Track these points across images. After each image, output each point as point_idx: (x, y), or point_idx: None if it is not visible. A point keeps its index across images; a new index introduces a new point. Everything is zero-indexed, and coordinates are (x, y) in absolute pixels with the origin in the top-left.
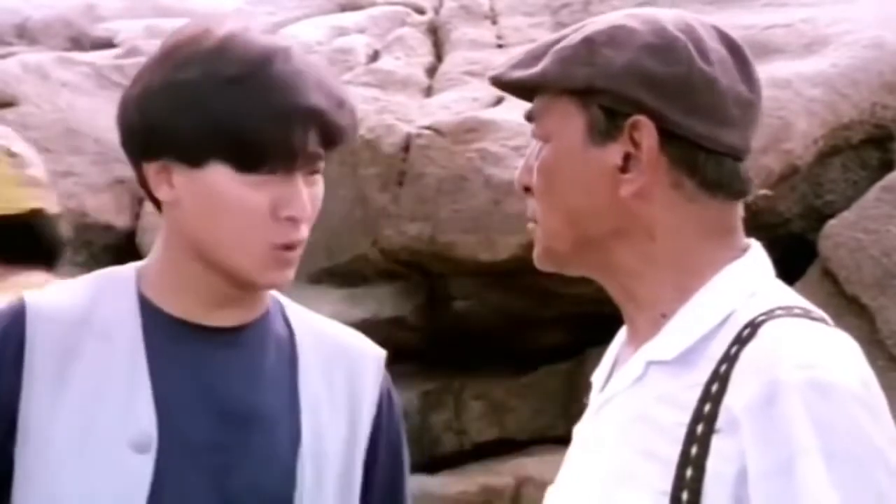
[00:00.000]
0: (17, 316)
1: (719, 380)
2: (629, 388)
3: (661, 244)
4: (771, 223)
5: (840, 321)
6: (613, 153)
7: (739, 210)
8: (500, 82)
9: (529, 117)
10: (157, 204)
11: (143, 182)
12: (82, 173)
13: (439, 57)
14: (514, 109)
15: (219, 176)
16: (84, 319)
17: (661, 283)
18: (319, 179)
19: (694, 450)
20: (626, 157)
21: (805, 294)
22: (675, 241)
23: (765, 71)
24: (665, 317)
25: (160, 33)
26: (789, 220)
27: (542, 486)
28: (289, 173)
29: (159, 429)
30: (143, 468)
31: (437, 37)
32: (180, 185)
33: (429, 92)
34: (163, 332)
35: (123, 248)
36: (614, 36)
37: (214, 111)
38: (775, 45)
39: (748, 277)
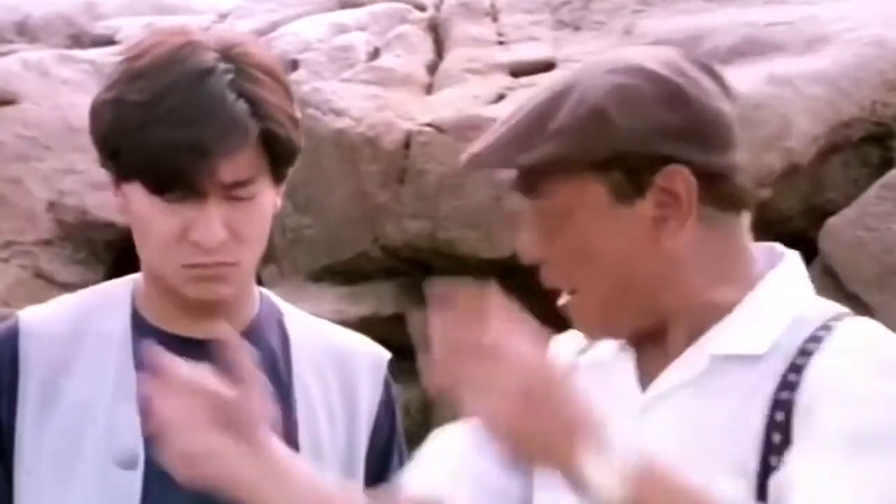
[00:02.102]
0: (11, 336)
1: (797, 371)
2: (691, 384)
3: (702, 275)
4: (772, 221)
5: None
6: (645, 208)
7: (747, 220)
8: (502, 167)
9: (528, 193)
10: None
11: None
12: (83, 171)
13: (440, 54)
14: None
15: (137, 194)
16: (77, 336)
17: (704, 305)
18: (252, 201)
19: (773, 461)
20: (660, 207)
21: None
22: (713, 268)
23: (765, 68)
24: (699, 325)
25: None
26: (790, 218)
27: None
28: (199, 198)
29: (146, 445)
30: (131, 485)
31: (437, 34)
32: (125, 196)
33: (429, 89)
34: (149, 346)
35: (125, 245)
36: (620, 98)
37: (126, 135)
38: (776, 42)
39: (800, 282)
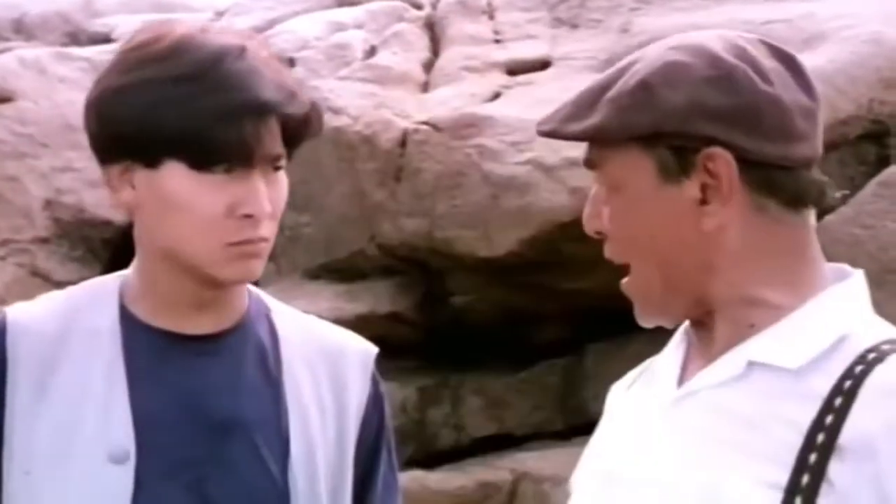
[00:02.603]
0: None
1: (843, 395)
2: (724, 385)
3: (752, 268)
4: None
5: None
6: (690, 188)
7: (814, 222)
8: (557, 136)
9: (589, 164)
10: (129, 210)
11: (111, 187)
12: (81, 168)
13: (436, 52)
14: (512, 105)
15: (175, 176)
16: (65, 332)
17: (753, 302)
18: (281, 177)
19: (813, 458)
20: (704, 189)
21: None
22: (769, 265)
23: None
24: (754, 327)
25: None
26: None
27: (539, 480)
28: (246, 171)
29: (137, 440)
30: (122, 479)
31: (434, 32)
32: (141, 186)
33: (426, 87)
34: (142, 343)
35: (121, 243)
36: (670, 75)
37: (167, 111)
38: (773, 40)
39: (858, 302)
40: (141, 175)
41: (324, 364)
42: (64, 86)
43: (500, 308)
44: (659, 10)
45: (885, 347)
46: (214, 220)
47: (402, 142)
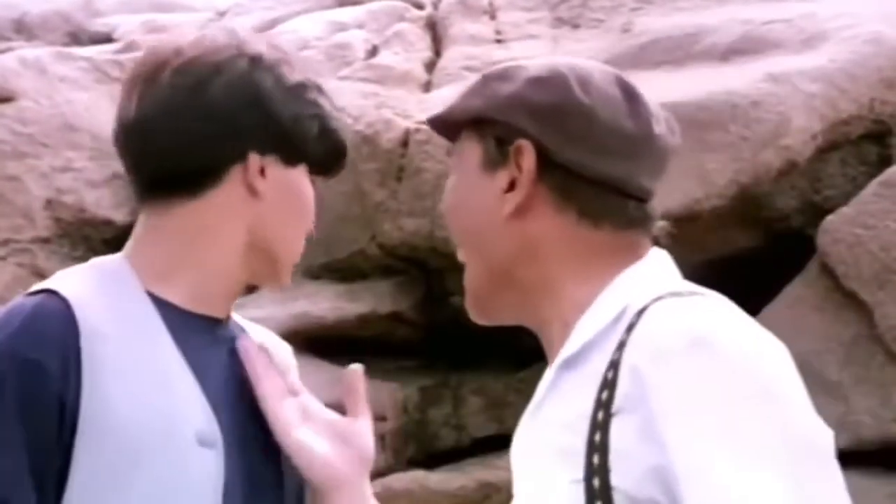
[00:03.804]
0: (65, 308)
1: (613, 366)
2: (544, 397)
3: (554, 263)
4: (769, 218)
5: (838, 316)
6: (501, 178)
7: (631, 241)
8: (428, 122)
9: (449, 153)
10: (190, 191)
11: (246, 172)
12: (81, 168)
13: (438, 52)
14: None
15: (302, 177)
16: (110, 315)
17: (561, 300)
18: None
19: (598, 436)
20: (512, 182)
21: (803, 289)
22: (567, 259)
23: (763, 66)
24: (569, 328)
25: (158, 28)
26: (788, 216)
27: None
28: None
29: (218, 423)
30: (214, 463)
31: (435, 32)
32: (272, 179)
33: (427, 87)
34: (181, 327)
35: (122, 242)
36: (506, 71)
37: (322, 118)
38: (774, 40)
39: (643, 274)
40: (276, 169)
41: (276, 357)
42: (64, 85)
43: None
44: (660, 10)
45: (649, 304)
46: (310, 225)
47: (404, 142)
